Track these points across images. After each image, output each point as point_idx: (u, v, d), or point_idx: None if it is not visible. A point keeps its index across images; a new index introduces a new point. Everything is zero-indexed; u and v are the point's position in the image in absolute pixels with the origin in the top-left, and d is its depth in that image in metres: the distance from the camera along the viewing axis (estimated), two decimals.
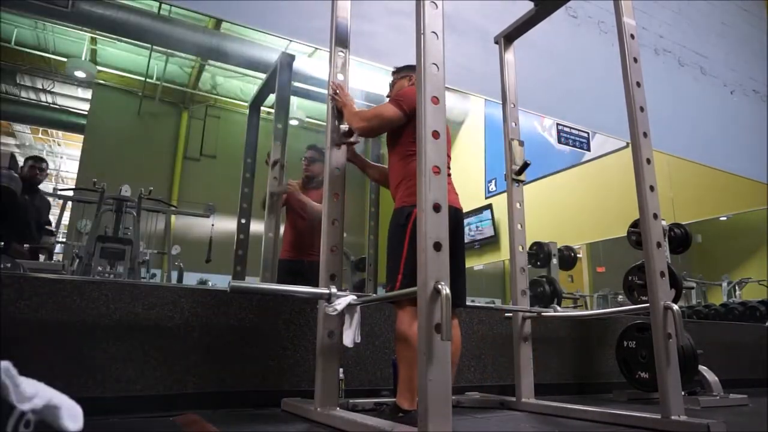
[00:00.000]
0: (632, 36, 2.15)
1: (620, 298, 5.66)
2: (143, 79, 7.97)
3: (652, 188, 1.98)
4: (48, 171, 4.10)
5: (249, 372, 2.14)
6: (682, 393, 1.89)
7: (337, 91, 2.13)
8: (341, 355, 1.95)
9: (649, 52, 4.24)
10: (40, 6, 3.40)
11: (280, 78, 2.76)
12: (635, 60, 2.11)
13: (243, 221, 2.80)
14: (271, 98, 2.88)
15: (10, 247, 3.22)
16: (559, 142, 4.31)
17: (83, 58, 7.44)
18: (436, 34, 1.52)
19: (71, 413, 0.69)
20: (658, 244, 1.92)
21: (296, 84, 4.09)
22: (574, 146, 4.37)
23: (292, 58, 2.84)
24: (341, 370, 2.01)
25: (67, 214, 5.67)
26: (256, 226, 2.77)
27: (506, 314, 2.52)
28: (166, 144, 8.35)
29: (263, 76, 3.51)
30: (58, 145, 9.74)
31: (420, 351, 1.30)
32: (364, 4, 2.84)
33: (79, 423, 0.69)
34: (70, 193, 5.73)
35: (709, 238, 6.34)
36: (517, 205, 2.50)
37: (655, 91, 3.30)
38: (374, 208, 3.33)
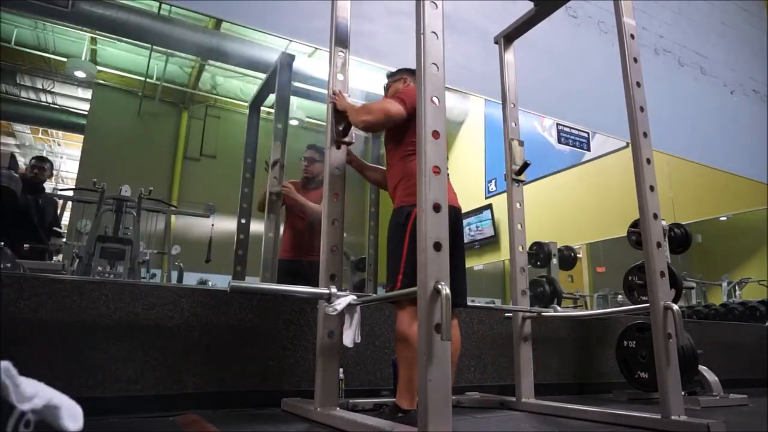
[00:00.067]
0: (632, 36, 2.15)
1: (620, 298, 5.66)
2: (143, 79, 7.97)
3: (652, 188, 1.98)
4: (51, 171, 4.09)
5: (249, 372, 2.14)
6: (682, 393, 1.89)
7: (336, 100, 2.12)
8: (341, 355, 1.95)
9: (649, 52, 4.24)
10: (40, 6, 3.40)
11: (280, 78, 2.76)
12: (635, 60, 2.11)
13: (243, 221, 2.80)
14: (271, 98, 2.88)
15: (15, 247, 3.22)
16: (559, 142, 4.31)
17: (83, 58, 7.43)
18: (436, 34, 1.52)
19: (71, 413, 0.69)
20: (658, 244, 1.92)
21: (296, 84, 4.08)
22: (574, 146, 4.37)
23: (292, 58, 2.84)
24: (341, 370, 2.01)
25: (67, 214, 5.67)
26: (256, 226, 2.77)
27: (506, 314, 2.52)
28: (166, 144, 8.34)
29: (263, 76, 3.51)
30: (58, 145, 9.74)
31: (420, 351, 1.30)
32: (364, 4, 2.84)
33: (79, 423, 0.69)
34: (70, 193, 5.73)
35: (709, 238, 6.34)
36: (517, 205, 2.50)
37: (655, 91, 3.30)
38: (374, 208, 3.33)
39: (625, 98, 2.09)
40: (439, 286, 1.30)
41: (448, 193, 1.83)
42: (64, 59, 7.40)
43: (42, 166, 3.92)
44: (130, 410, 1.85)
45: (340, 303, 1.78)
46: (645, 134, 2.04)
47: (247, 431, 1.69)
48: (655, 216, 1.95)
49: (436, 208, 1.37)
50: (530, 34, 2.72)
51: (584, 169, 6.87)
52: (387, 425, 1.47)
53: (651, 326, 1.87)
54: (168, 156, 8.30)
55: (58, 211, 4.79)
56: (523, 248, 2.46)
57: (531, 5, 2.59)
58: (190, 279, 6.07)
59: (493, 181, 8.35)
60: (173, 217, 6.68)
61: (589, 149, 4.80)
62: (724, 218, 6.23)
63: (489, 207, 8.28)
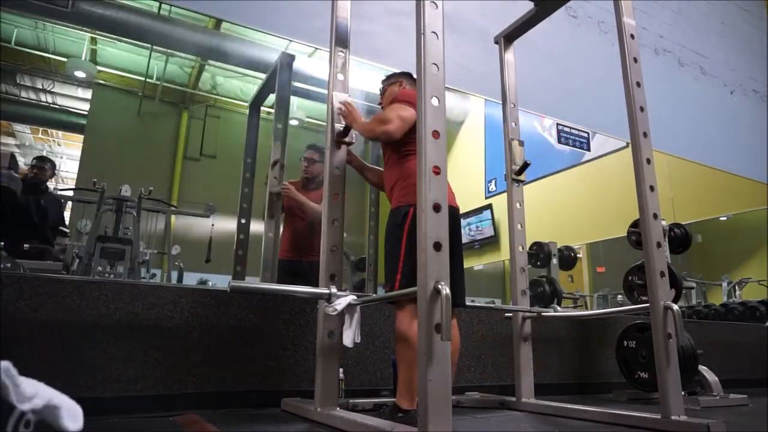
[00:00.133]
0: (632, 36, 2.15)
1: (620, 298, 5.66)
2: (143, 79, 7.97)
3: (652, 188, 1.98)
4: (52, 171, 4.08)
5: (249, 372, 2.14)
6: (682, 393, 1.89)
7: (344, 112, 2.09)
8: (341, 355, 1.95)
9: (649, 52, 4.24)
10: (40, 6, 3.41)
11: (280, 78, 2.76)
12: (635, 60, 2.11)
13: (243, 221, 2.80)
14: (271, 98, 2.88)
15: (14, 247, 3.22)
16: (559, 142, 4.31)
17: (83, 58, 7.43)
18: (436, 34, 1.52)
19: (71, 413, 0.69)
20: (658, 244, 1.92)
21: (296, 84, 4.09)
22: (574, 146, 4.37)
23: (292, 58, 2.84)
24: (341, 370, 2.01)
25: (67, 214, 5.67)
26: (256, 226, 2.77)
27: (506, 314, 2.52)
28: (166, 144, 8.34)
29: (263, 76, 3.51)
30: (58, 145, 9.74)
31: (420, 351, 1.30)
32: (364, 4, 2.84)
33: (79, 423, 0.69)
34: (70, 193, 5.73)
35: (709, 238, 6.34)
36: (517, 205, 2.50)
37: (655, 91, 3.30)
38: (374, 208, 3.33)
39: (625, 98, 2.09)
40: (439, 286, 1.30)
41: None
42: (64, 59, 7.40)
43: (42, 166, 3.92)
44: (130, 410, 1.85)
45: (340, 303, 1.78)
46: (645, 134, 2.04)
47: (247, 431, 1.69)
48: (655, 216, 1.95)
49: (436, 208, 1.37)
50: (530, 34, 2.72)
51: (584, 169, 6.87)
52: (387, 425, 1.47)
53: (651, 326, 1.87)
54: (168, 156, 8.30)
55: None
56: (523, 248, 2.46)
57: (531, 5, 2.59)
58: (190, 279, 6.08)
59: (493, 181, 8.35)
60: (173, 217, 6.68)
61: (589, 149, 4.80)
62: (724, 218, 6.23)
63: (489, 207, 8.28)
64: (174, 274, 5.66)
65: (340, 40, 2.21)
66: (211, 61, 7.83)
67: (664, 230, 3.17)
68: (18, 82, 7.85)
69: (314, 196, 3.03)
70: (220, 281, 5.72)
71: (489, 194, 8.41)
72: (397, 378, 1.93)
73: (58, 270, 3.34)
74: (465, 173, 8.99)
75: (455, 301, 1.70)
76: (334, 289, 1.83)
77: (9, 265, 2.67)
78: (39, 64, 7.62)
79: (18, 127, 9.01)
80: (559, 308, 2.86)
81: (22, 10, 5.60)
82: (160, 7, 5.88)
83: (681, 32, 4.58)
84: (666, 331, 1.82)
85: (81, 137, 8.13)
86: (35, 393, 0.66)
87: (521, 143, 2.58)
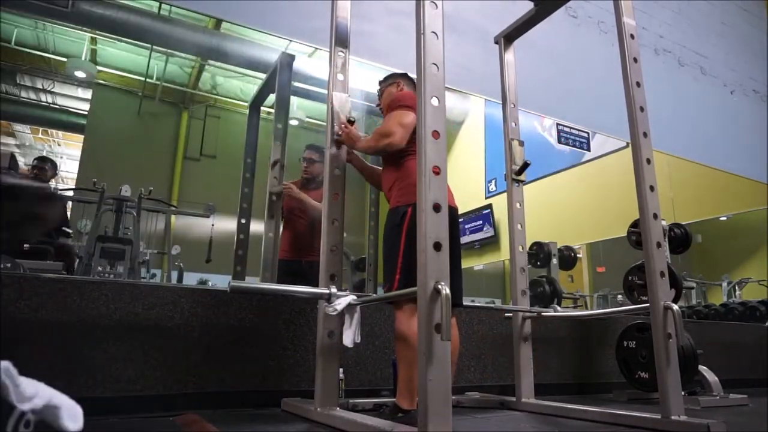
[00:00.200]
0: (632, 36, 2.15)
1: (620, 297, 5.66)
2: (143, 79, 7.97)
3: (652, 188, 1.98)
4: (54, 171, 4.06)
5: (249, 372, 2.14)
6: (682, 393, 1.89)
7: (343, 138, 2.08)
8: (341, 355, 1.95)
9: (649, 52, 4.24)
10: (40, 6, 3.40)
11: (280, 78, 2.76)
12: (635, 60, 2.11)
13: (243, 221, 2.80)
14: (271, 98, 2.88)
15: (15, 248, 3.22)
16: (559, 142, 4.31)
17: (83, 58, 7.44)
18: (436, 34, 1.52)
19: (71, 413, 0.69)
20: (658, 244, 1.92)
21: (296, 84, 4.08)
22: (574, 146, 4.37)
23: (292, 58, 2.84)
24: (341, 370, 2.01)
25: (67, 214, 5.67)
26: (256, 226, 2.77)
27: (506, 314, 2.52)
28: (166, 144, 8.34)
29: (263, 76, 3.51)
30: (58, 145, 9.74)
31: (420, 351, 1.30)
32: (364, 4, 2.84)
33: (79, 423, 0.69)
34: (70, 193, 5.73)
35: (709, 238, 6.34)
36: (517, 205, 2.50)
37: (655, 91, 3.30)
38: (374, 208, 3.33)
39: (625, 98, 2.09)
40: (439, 286, 1.30)
41: None
42: (64, 59, 7.40)
43: (43, 166, 3.91)
44: (130, 410, 1.85)
45: (340, 303, 1.78)
46: (645, 134, 2.04)
47: (247, 431, 1.69)
48: (655, 216, 1.95)
49: (436, 208, 1.37)
50: (530, 34, 2.72)
51: (584, 169, 6.87)
52: (387, 425, 1.47)
53: (651, 326, 1.87)
54: (168, 156, 8.30)
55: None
56: (523, 248, 2.46)
57: (531, 5, 2.59)
58: (190, 279, 6.08)
59: (493, 181, 8.35)
60: (173, 217, 6.68)
61: (589, 149, 4.80)
62: (724, 218, 6.23)
63: (489, 207, 8.28)
64: (174, 274, 5.66)
65: (340, 40, 2.21)
66: (211, 61, 7.83)
67: (664, 230, 3.17)
68: (18, 82, 7.85)
69: (314, 196, 3.02)
70: (220, 281, 5.72)
71: (489, 194, 8.41)
72: (397, 378, 1.93)
73: (58, 270, 3.33)
74: (465, 173, 8.99)
75: (454, 301, 1.70)
76: (334, 289, 1.83)
77: (9, 265, 2.67)
78: (39, 64, 7.62)
79: (18, 127, 9.01)
80: (559, 308, 2.86)
81: (22, 10, 5.60)
82: (160, 7, 5.88)
83: (681, 32, 4.58)
84: (666, 331, 1.82)
85: (81, 137, 8.13)
86: (35, 393, 0.66)
87: (521, 143, 2.58)
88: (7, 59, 7.23)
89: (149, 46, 7.19)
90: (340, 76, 2.18)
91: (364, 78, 3.43)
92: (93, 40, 7.48)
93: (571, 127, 4.26)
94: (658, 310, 1.84)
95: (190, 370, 2.02)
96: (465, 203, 7.93)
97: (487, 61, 3.10)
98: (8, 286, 1.79)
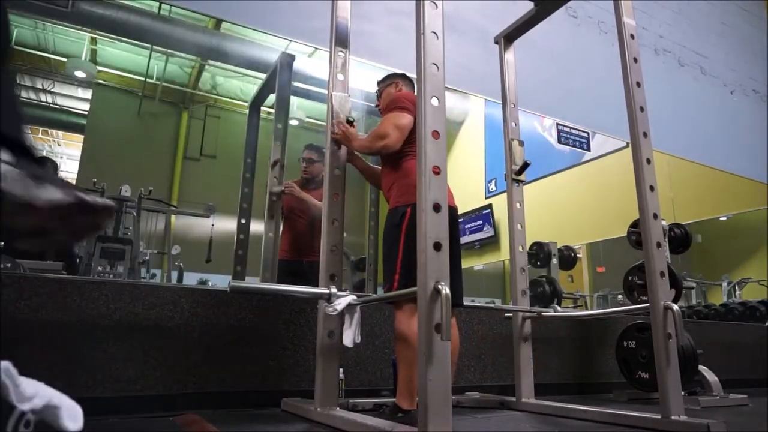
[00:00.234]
0: (632, 36, 2.15)
1: (620, 298, 5.66)
2: (143, 79, 7.97)
3: (652, 188, 1.98)
4: (55, 171, 4.06)
5: (249, 372, 2.14)
6: (682, 393, 1.89)
7: (339, 137, 2.08)
8: (341, 355, 1.95)
9: (649, 52, 4.24)
10: (40, 6, 3.41)
11: (280, 78, 2.76)
12: (635, 60, 2.11)
13: (243, 221, 2.80)
14: (271, 98, 2.88)
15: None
16: (559, 142, 4.31)
17: (83, 58, 7.44)
18: (436, 34, 1.52)
19: (71, 413, 0.69)
20: (658, 244, 1.92)
21: (296, 84, 4.08)
22: (574, 146, 4.37)
23: (292, 58, 2.84)
24: (341, 370, 2.01)
25: None
26: (256, 226, 2.77)
27: (506, 314, 2.52)
28: (166, 144, 8.34)
29: (263, 76, 3.51)
30: (58, 145, 9.73)
31: (420, 351, 1.30)
32: (364, 4, 2.84)
33: (79, 423, 0.69)
34: None
35: (709, 238, 6.34)
36: (517, 205, 2.50)
37: (655, 91, 3.30)
38: (374, 208, 3.33)
39: (625, 98, 2.09)
40: (439, 286, 1.30)
41: None
42: (64, 59, 7.40)
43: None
44: (130, 410, 1.85)
45: (340, 303, 1.78)
46: (645, 134, 2.04)
47: (247, 431, 1.69)
48: (655, 216, 1.95)
49: (436, 208, 1.37)
50: (530, 34, 2.72)
51: (584, 169, 6.87)
52: (387, 425, 1.47)
53: (651, 326, 1.87)
54: (168, 156, 8.30)
55: None
56: (523, 248, 2.46)
57: (531, 5, 2.59)
58: (190, 279, 6.08)
59: (493, 181, 8.35)
60: (173, 217, 6.68)
61: (589, 149, 4.80)
62: (724, 218, 6.23)
63: (489, 207, 8.28)
64: (174, 274, 5.66)
65: (340, 40, 2.21)
66: (211, 61, 7.83)
67: (664, 230, 3.17)
68: (18, 82, 7.85)
69: (314, 195, 3.02)
70: (220, 281, 5.72)
71: (489, 194, 8.41)
72: (397, 378, 1.93)
73: (58, 270, 3.34)
74: (465, 173, 8.99)
75: (454, 301, 1.70)
76: (334, 289, 1.83)
77: (9, 265, 2.67)
78: (39, 64, 7.63)
79: None
80: (559, 308, 2.86)
81: (22, 10, 5.59)
82: (160, 7, 5.88)
83: (681, 32, 4.58)
84: (666, 331, 1.82)
85: (81, 137, 8.13)
86: (35, 393, 0.65)
87: (521, 143, 2.58)
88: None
89: (149, 46, 7.19)
90: (340, 76, 2.18)
91: (364, 78, 3.43)
92: (93, 40, 7.48)
93: (571, 127, 4.26)
94: (658, 310, 1.84)
95: (190, 370, 2.02)
96: (465, 203, 7.94)
97: (487, 61, 3.10)
98: (8, 286, 1.79)
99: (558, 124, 4.26)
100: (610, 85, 2.60)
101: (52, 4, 3.06)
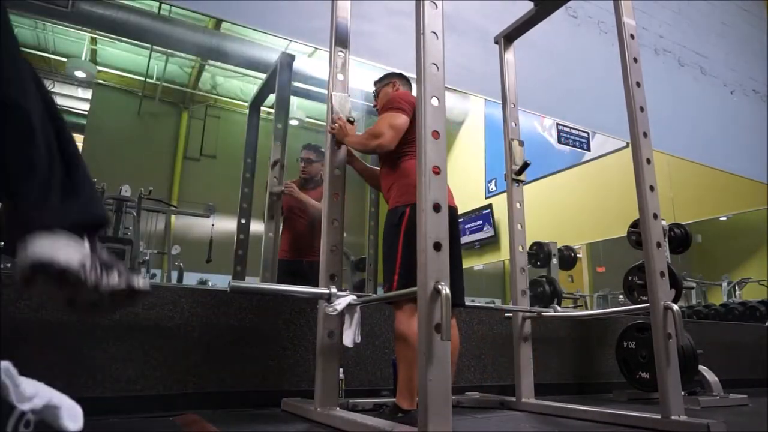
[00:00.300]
0: (632, 36, 2.15)
1: (621, 298, 5.66)
2: (143, 79, 7.97)
3: (652, 188, 1.98)
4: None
5: (249, 372, 2.14)
6: (682, 393, 1.89)
7: (335, 130, 2.09)
8: (341, 355, 1.95)
9: (649, 52, 4.24)
10: (40, 6, 3.40)
11: (280, 78, 2.76)
12: (635, 60, 2.11)
13: (243, 221, 2.80)
14: (271, 98, 2.88)
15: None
16: (559, 142, 4.31)
17: (83, 58, 7.43)
18: (436, 34, 1.52)
19: (71, 413, 0.69)
20: (658, 244, 1.92)
21: (296, 84, 4.08)
22: (574, 146, 4.37)
23: (292, 58, 2.84)
24: (341, 370, 2.01)
25: None
26: (256, 226, 2.77)
27: (506, 314, 2.52)
28: (166, 144, 8.34)
29: (263, 76, 3.51)
30: None
31: (420, 351, 1.30)
32: (364, 4, 2.84)
33: (79, 423, 0.69)
34: None
35: (709, 238, 6.34)
36: (517, 205, 2.50)
37: (655, 91, 3.30)
38: (374, 208, 3.33)
39: (625, 98, 2.09)
40: (439, 286, 1.30)
41: None
42: (64, 59, 7.40)
43: None
44: (130, 410, 1.85)
45: (340, 303, 1.78)
46: (645, 134, 2.04)
47: (247, 431, 1.69)
48: (655, 216, 1.95)
49: (436, 208, 1.37)
50: (530, 34, 2.72)
51: (584, 169, 6.86)
52: (387, 425, 1.47)
53: (651, 326, 1.87)
54: (168, 156, 8.29)
55: None
56: (523, 248, 2.46)
57: (531, 5, 2.59)
58: (190, 279, 6.07)
59: (493, 181, 8.35)
60: (173, 217, 6.68)
61: (589, 149, 4.80)
62: (724, 218, 6.23)
63: (489, 207, 8.28)
64: (174, 274, 5.66)
65: (340, 40, 2.21)
66: (211, 61, 7.83)
67: (664, 230, 3.17)
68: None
69: (312, 195, 3.03)
70: (220, 281, 5.72)
71: (489, 194, 8.41)
72: (397, 378, 1.93)
73: None
74: (465, 173, 8.99)
75: (454, 301, 1.70)
76: (334, 289, 1.83)
77: (9, 265, 2.67)
78: (39, 64, 7.61)
79: None
80: (559, 308, 2.86)
81: (22, 10, 5.58)
82: (160, 7, 5.88)
83: (681, 32, 4.58)
84: (666, 331, 1.82)
85: (81, 137, 8.11)
86: (35, 393, 0.66)
87: (521, 143, 2.58)
88: None
89: (149, 46, 7.18)
90: (340, 76, 2.19)
91: (364, 78, 3.43)
92: (93, 40, 7.47)
93: (571, 127, 4.25)
94: (658, 310, 1.84)
95: (190, 370, 2.02)
96: (465, 203, 7.93)
97: (487, 61, 3.10)
98: (8, 286, 1.79)
99: (558, 124, 4.26)
100: (610, 85, 2.60)
101: (52, 4, 3.06)
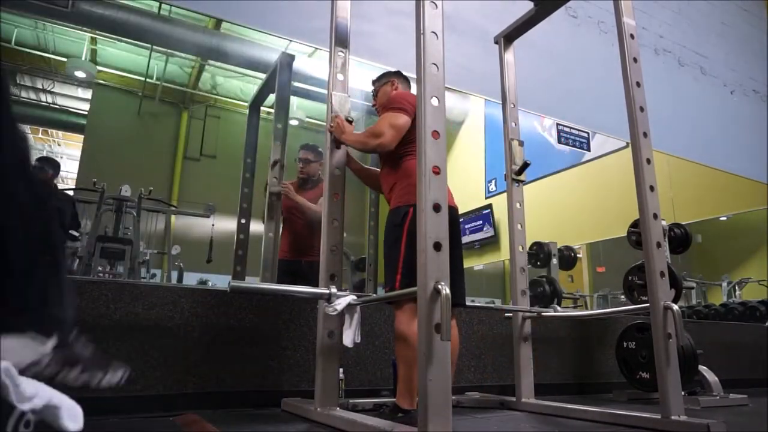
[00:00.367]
0: (632, 36, 2.15)
1: (623, 298, 5.66)
2: (143, 79, 7.97)
3: (652, 188, 1.98)
4: (56, 172, 3.99)
5: (249, 372, 2.14)
6: (682, 393, 1.89)
7: (333, 128, 2.08)
8: (341, 355, 1.95)
9: (649, 52, 4.24)
10: (40, 6, 3.40)
11: (280, 78, 2.76)
12: (635, 60, 2.11)
13: (243, 221, 2.80)
14: (271, 98, 2.88)
15: None
16: (559, 142, 4.31)
17: (83, 58, 7.44)
18: (436, 34, 1.52)
19: (71, 413, 0.69)
20: (658, 244, 1.92)
21: (296, 84, 4.08)
22: (574, 146, 4.37)
23: (292, 58, 2.84)
24: (341, 370, 2.01)
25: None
26: (256, 226, 2.77)
27: (506, 314, 2.52)
28: (166, 144, 8.34)
29: (263, 76, 3.51)
30: (58, 145, 9.73)
31: (420, 351, 1.30)
32: (364, 4, 2.84)
33: (79, 423, 0.69)
34: (71, 193, 5.73)
35: (709, 238, 6.34)
36: (517, 205, 2.50)
37: (655, 91, 3.30)
38: (374, 208, 3.33)
39: (625, 98, 2.09)
40: (439, 286, 1.30)
41: None
42: (64, 59, 7.40)
43: (41, 167, 3.89)
44: (130, 410, 1.85)
45: (340, 303, 1.78)
46: (645, 134, 2.04)
47: (247, 431, 1.69)
48: (655, 216, 1.95)
49: (436, 208, 1.37)
50: (530, 34, 2.72)
51: (584, 169, 6.87)
52: (387, 425, 1.47)
53: (651, 326, 1.87)
54: (168, 156, 8.30)
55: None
56: (523, 248, 2.46)
57: (531, 5, 2.59)
58: (190, 279, 6.08)
59: (493, 181, 8.35)
60: (173, 217, 6.68)
61: (589, 149, 4.80)
62: (724, 218, 6.23)
63: (489, 207, 8.28)
64: (174, 274, 5.66)
65: (340, 40, 2.21)
66: (211, 61, 7.83)
67: (664, 230, 3.17)
68: (18, 82, 7.85)
69: (311, 195, 3.03)
70: (220, 281, 5.72)
71: (489, 194, 8.41)
72: (397, 378, 1.93)
73: None
74: (465, 173, 8.99)
75: (455, 301, 1.70)
76: (334, 289, 1.83)
77: None
78: (39, 64, 7.62)
79: None
80: (559, 308, 2.86)
81: (22, 10, 5.59)
82: (160, 7, 5.88)
83: (681, 32, 4.58)
84: (666, 331, 1.82)
85: (81, 137, 8.13)
86: (35, 393, 0.66)
87: (521, 143, 2.58)
88: (7, 59, 7.22)
89: (149, 46, 7.19)
90: (340, 76, 2.18)
91: (364, 78, 3.43)
92: (93, 40, 7.48)
93: (571, 127, 4.26)
94: (658, 310, 1.84)
95: (190, 370, 2.02)
96: (465, 203, 7.93)
97: (487, 61, 3.10)
98: None
99: (558, 124, 4.26)
100: (610, 85, 2.60)
101: (52, 4, 3.06)
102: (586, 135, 4.41)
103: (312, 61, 4.88)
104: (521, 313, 2.39)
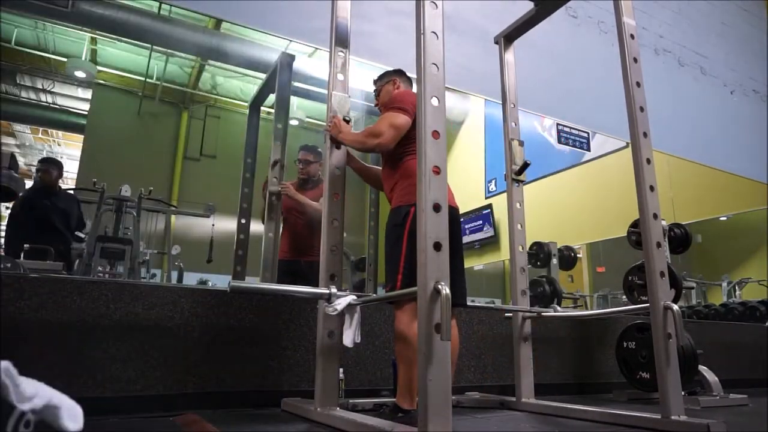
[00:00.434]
0: (632, 36, 2.15)
1: (622, 298, 5.66)
2: (143, 79, 7.97)
3: (652, 188, 1.98)
4: (59, 172, 3.97)
5: (249, 372, 2.14)
6: (682, 393, 1.89)
7: (331, 129, 2.08)
8: (341, 355, 1.95)
9: (649, 52, 4.25)
10: (40, 6, 3.41)
11: (280, 78, 2.76)
12: (635, 60, 2.11)
13: (243, 221, 2.80)
14: (271, 98, 2.88)
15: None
16: (559, 142, 4.31)
17: (83, 58, 7.43)
18: (436, 34, 1.52)
19: (71, 413, 0.69)
20: (658, 244, 1.92)
21: (296, 84, 4.08)
22: (574, 146, 4.37)
23: (292, 58, 2.84)
24: (341, 370, 2.01)
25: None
26: (257, 226, 2.77)
27: (506, 314, 2.52)
28: (166, 144, 8.34)
29: (263, 76, 3.51)
30: (58, 145, 9.73)
31: (420, 351, 1.30)
32: (364, 4, 2.84)
33: (79, 423, 0.69)
34: (71, 193, 5.73)
35: (709, 238, 6.34)
36: (517, 205, 2.50)
37: (655, 91, 3.30)
38: (374, 208, 3.33)
39: (625, 98, 2.09)
40: (439, 286, 1.30)
41: None
42: (64, 59, 7.40)
43: (47, 168, 3.89)
44: (130, 410, 1.85)
45: (340, 303, 1.78)
46: (645, 134, 2.04)
47: (247, 431, 1.69)
48: (655, 216, 1.95)
49: (436, 208, 1.37)
50: (530, 34, 2.72)
51: (584, 169, 6.87)
52: (387, 425, 1.47)
53: (651, 326, 1.87)
54: (168, 156, 8.30)
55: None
56: (523, 248, 2.46)
57: (531, 5, 2.59)
58: (190, 279, 6.08)
59: (493, 181, 8.35)
60: (173, 217, 6.68)
61: (589, 149, 4.80)
62: (724, 218, 6.23)
63: (489, 207, 8.28)
64: (174, 274, 5.66)
65: (340, 40, 2.21)
66: (211, 61, 7.83)
67: (664, 230, 3.17)
68: (18, 82, 7.84)
69: (311, 196, 3.03)
70: (220, 281, 5.72)
71: (489, 194, 8.41)
72: (397, 378, 1.93)
73: (58, 270, 3.33)
74: (465, 173, 8.99)
75: (455, 301, 1.70)
76: (334, 289, 1.83)
77: (9, 265, 2.67)
78: (39, 64, 7.62)
79: (18, 127, 9.01)
80: (559, 308, 2.86)
81: (22, 10, 5.60)
82: (160, 7, 5.88)
83: (681, 32, 4.58)
84: (666, 331, 1.82)
85: (81, 137, 8.13)
86: (35, 393, 0.66)
87: (521, 143, 2.58)
88: (7, 59, 7.23)
89: (149, 46, 7.19)
90: (340, 76, 2.18)
91: (364, 78, 3.44)
92: (93, 40, 7.47)
93: (571, 127, 4.26)
94: (658, 310, 1.84)
95: (190, 370, 2.02)
96: (465, 203, 7.93)
97: (487, 61, 3.10)
98: (8, 286, 1.79)
99: (558, 124, 4.26)
100: (610, 85, 2.60)
101: (52, 4, 3.06)
102: (586, 135, 4.41)
103: (312, 61, 4.88)
104: (521, 313, 2.39)
